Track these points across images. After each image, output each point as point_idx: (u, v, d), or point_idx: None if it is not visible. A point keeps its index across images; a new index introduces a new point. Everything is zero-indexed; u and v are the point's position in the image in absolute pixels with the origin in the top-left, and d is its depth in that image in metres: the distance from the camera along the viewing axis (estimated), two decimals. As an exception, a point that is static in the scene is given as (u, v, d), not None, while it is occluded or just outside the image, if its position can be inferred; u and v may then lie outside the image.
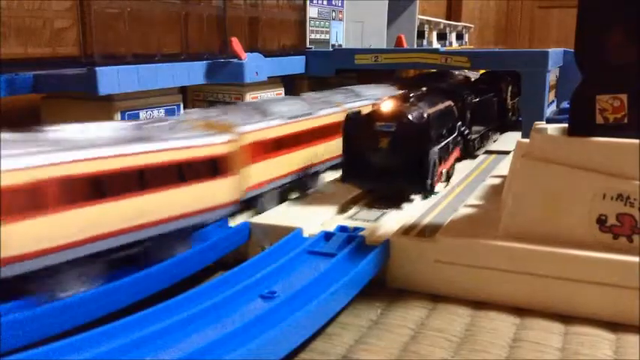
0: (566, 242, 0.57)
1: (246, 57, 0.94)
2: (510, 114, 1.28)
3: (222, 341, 0.42)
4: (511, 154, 0.77)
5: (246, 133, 0.66)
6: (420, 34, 1.85)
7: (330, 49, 1.26)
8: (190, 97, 1.07)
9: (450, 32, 2.19)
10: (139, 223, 0.51)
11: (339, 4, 1.32)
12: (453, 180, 0.85)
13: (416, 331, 0.52)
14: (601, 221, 0.57)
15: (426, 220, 0.67)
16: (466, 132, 0.93)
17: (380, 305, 0.57)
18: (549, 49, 1.05)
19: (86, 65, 0.77)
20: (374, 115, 0.72)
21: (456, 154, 0.89)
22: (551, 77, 1.22)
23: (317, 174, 0.84)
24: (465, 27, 2.40)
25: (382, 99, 0.77)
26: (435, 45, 1.98)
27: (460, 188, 0.82)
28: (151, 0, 0.90)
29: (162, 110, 0.84)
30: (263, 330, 0.43)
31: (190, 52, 0.97)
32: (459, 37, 2.32)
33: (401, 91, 0.87)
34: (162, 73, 0.83)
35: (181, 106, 0.88)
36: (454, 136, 0.87)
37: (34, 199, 0.43)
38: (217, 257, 0.61)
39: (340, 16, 1.32)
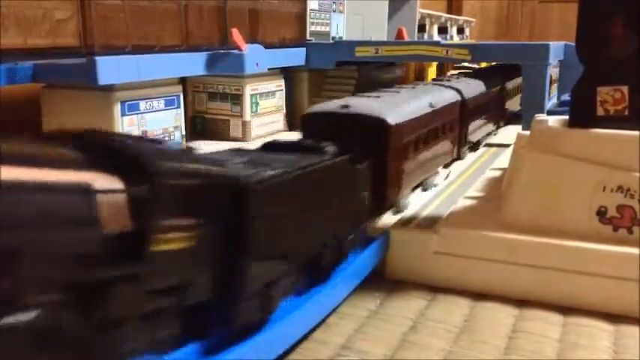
0: (566, 234, 0.57)
1: (246, 48, 0.94)
2: None
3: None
4: (511, 148, 0.77)
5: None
6: (421, 28, 1.84)
7: (331, 41, 1.26)
8: (190, 87, 1.07)
9: (451, 26, 2.19)
10: None
11: (340, -3, 1.31)
12: (453, 173, 0.85)
13: (415, 322, 0.52)
14: (601, 213, 0.57)
15: (426, 212, 0.67)
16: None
17: (379, 296, 0.57)
18: (550, 42, 1.04)
19: (86, 55, 0.77)
20: None
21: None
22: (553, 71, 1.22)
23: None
24: (466, 21, 2.40)
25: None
26: (436, 39, 1.97)
27: (460, 180, 0.82)
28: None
29: (162, 101, 0.84)
30: (266, 322, 0.43)
31: (190, 43, 0.96)
32: (460, 31, 2.31)
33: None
34: (162, 64, 0.83)
35: (181, 96, 0.88)
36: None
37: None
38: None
39: (341, 8, 1.32)
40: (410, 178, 0.68)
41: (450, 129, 0.82)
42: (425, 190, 0.74)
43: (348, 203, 0.53)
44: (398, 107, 0.65)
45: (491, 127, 1.11)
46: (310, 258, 0.47)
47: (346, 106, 0.63)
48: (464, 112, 0.88)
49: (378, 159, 0.59)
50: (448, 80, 0.95)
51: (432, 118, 0.73)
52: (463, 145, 0.92)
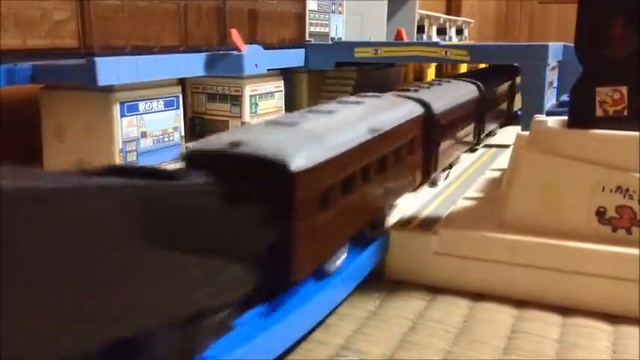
0: (566, 234, 0.57)
1: (245, 49, 0.94)
2: None
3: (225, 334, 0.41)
4: (510, 148, 0.77)
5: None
6: (420, 29, 1.85)
7: (330, 42, 1.26)
8: (189, 88, 1.07)
9: (450, 27, 2.19)
10: None
11: (339, -2, 1.32)
12: (452, 173, 0.85)
13: (414, 322, 0.52)
14: (600, 213, 0.57)
15: (425, 213, 0.67)
16: None
17: (378, 296, 0.57)
18: (549, 43, 1.05)
19: (85, 56, 0.77)
20: None
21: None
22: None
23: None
24: (465, 22, 2.40)
25: None
26: (435, 40, 1.98)
27: (459, 181, 0.82)
28: (151, -9, 0.90)
29: (161, 102, 0.84)
30: (265, 322, 0.43)
31: (189, 44, 0.96)
32: (459, 31, 2.32)
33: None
34: (161, 65, 0.83)
35: (180, 97, 0.88)
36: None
37: None
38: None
39: (340, 9, 1.32)
40: (335, 234, 0.50)
41: (409, 152, 0.64)
42: (374, 229, 0.61)
43: (209, 266, 0.35)
44: (315, 141, 0.46)
45: (470, 140, 0.95)
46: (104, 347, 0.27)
47: (237, 145, 0.43)
48: (432, 129, 0.70)
49: (279, 215, 0.41)
50: (415, 90, 0.76)
51: (374, 147, 0.54)
52: (433, 169, 0.74)
